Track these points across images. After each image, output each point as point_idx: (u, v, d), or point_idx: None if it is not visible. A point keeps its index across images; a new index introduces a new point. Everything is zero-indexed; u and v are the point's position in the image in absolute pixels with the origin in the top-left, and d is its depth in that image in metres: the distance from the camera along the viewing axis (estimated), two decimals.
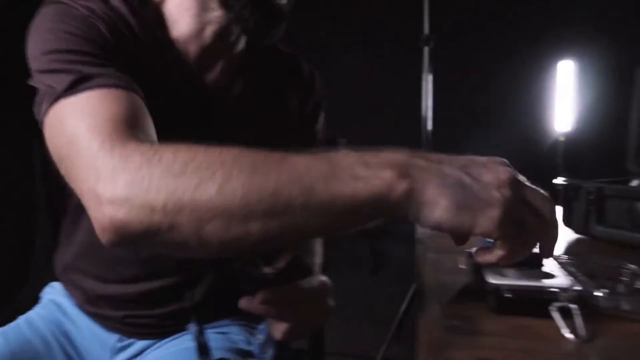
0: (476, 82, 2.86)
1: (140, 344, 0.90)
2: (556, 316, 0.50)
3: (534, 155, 2.53)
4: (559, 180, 0.96)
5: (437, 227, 0.48)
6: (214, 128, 0.82)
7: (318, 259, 0.93)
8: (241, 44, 0.86)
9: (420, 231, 0.99)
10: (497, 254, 0.51)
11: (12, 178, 2.10)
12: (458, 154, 0.52)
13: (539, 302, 0.51)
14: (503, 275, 0.55)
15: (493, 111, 2.80)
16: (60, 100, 0.60)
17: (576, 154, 2.49)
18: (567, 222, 0.95)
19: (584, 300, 0.53)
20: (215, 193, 0.48)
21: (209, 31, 0.80)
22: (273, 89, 0.92)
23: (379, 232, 3.79)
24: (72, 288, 0.93)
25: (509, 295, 0.52)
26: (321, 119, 0.99)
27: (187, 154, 0.51)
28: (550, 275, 0.56)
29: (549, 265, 0.58)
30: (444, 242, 0.86)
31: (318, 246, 0.96)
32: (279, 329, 0.71)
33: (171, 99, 0.78)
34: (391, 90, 2.79)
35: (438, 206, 0.47)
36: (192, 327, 0.72)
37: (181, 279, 0.85)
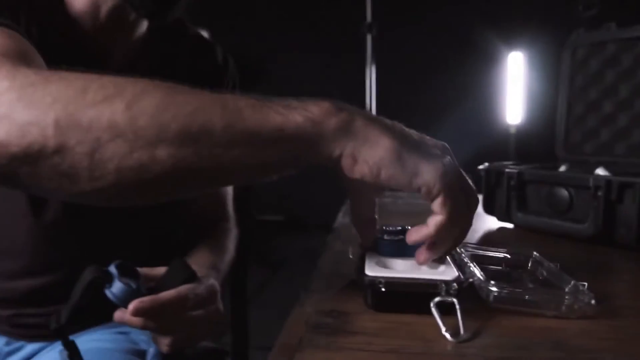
0: (423, 73, 2.84)
1: (30, 348, 0.82)
2: (435, 312, 0.44)
3: (485, 146, 2.53)
4: (483, 166, 0.92)
5: (376, 173, 0.43)
6: None
7: (228, 256, 0.87)
8: (143, 24, 0.81)
9: (339, 221, 0.93)
10: (434, 221, 0.46)
11: None
12: None
13: (417, 296, 0.46)
14: (385, 267, 0.50)
15: (442, 103, 2.79)
16: None
17: (527, 144, 2.49)
18: (489, 209, 0.91)
19: (468, 293, 0.48)
20: (122, 110, 0.41)
21: (104, 9, 0.75)
22: (182, 72, 0.86)
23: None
24: None
25: (384, 290, 0.46)
26: None
27: (95, 75, 0.43)
28: (439, 267, 0.51)
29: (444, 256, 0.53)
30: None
31: (230, 242, 0.90)
32: (163, 342, 0.64)
33: None
34: (336, 81, 2.76)
35: (380, 146, 0.43)
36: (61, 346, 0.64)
37: (73, 273, 0.77)
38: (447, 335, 0.43)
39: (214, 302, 0.66)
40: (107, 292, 0.57)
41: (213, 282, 0.67)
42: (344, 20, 2.35)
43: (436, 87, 2.81)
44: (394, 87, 2.38)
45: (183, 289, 0.61)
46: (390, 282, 0.46)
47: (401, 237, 0.51)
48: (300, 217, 3.64)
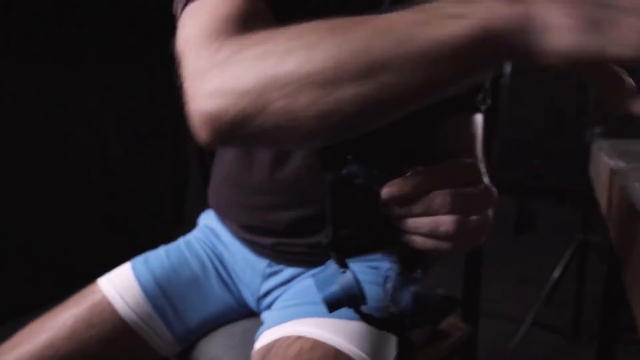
0: None
1: (289, 271, 0.88)
2: None
3: None
4: None
5: (565, 56, 0.38)
6: None
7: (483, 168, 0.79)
8: None
9: (617, 165, 0.82)
10: None
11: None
12: None
13: None
14: None
15: None
16: (187, 5, 0.61)
17: None
18: None
19: None
20: (305, 60, 0.44)
21: None
22: None
23: (526, 188, 3.48)
24: (224, 217, 0.94)
25: None
26: None
27: (274, 32, 0.48)
28: None
29: None
30: None
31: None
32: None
33: None
34: None
35: (565, 28, 0.37)
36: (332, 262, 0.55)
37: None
38: None
39: (489, 205, 0.51)
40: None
41: (489, 185, 0.52)
42: None
43: None
44: None
45: (448, 164, 0.49)
46: None
47: None
48: None
